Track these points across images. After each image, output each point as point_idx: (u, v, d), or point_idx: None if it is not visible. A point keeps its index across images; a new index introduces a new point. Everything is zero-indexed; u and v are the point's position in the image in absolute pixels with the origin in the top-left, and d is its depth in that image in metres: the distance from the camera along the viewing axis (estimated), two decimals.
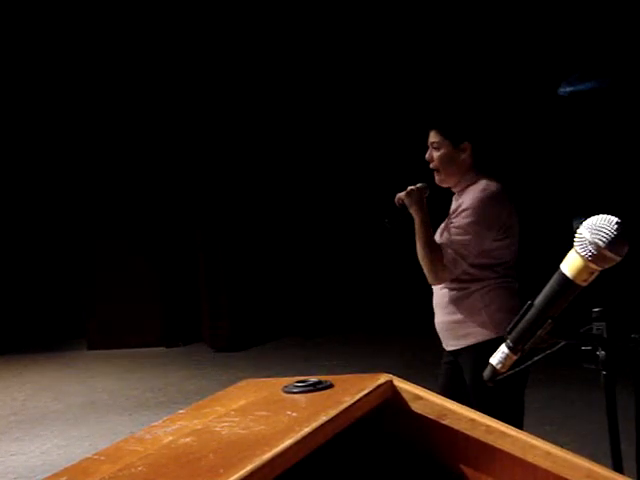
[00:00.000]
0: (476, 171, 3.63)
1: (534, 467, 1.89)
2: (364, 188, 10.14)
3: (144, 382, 8.33)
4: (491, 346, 3.57)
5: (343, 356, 8.73)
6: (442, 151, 3.62)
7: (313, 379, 2.16)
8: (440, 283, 3.57)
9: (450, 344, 3.66)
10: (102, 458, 1.73)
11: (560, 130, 9.16)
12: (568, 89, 8.93)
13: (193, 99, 9.70)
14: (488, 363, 3.58)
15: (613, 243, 1.67)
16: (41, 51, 9.91)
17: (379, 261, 10.12)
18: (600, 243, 1.67)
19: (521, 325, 1.81)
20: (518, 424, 3.30)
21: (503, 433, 1.96)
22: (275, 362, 8.75)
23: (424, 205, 3.60)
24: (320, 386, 2.12)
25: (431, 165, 3.67)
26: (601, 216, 1.71)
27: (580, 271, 1.72)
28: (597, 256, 1.68)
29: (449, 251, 3.49)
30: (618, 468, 1.82)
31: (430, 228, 3.58)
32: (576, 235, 1.71)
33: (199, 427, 1.88)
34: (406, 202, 3.59)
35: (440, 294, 3.65)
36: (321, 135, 10.10)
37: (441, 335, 3.71)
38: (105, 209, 9.97)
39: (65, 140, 10.18)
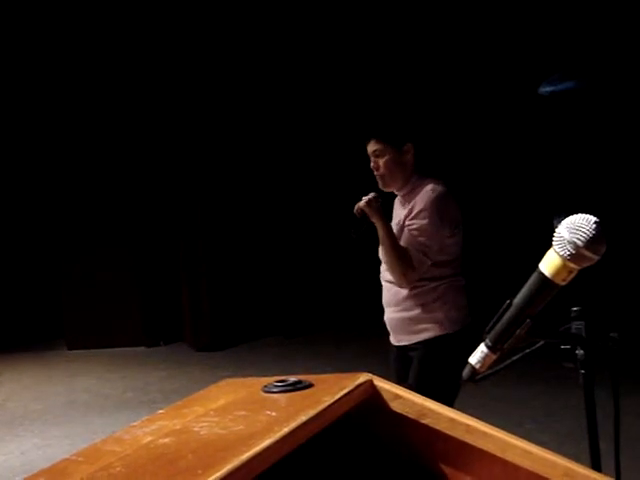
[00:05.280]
0: (419, 174, 3.78)
1: (513, 466, 1.89)
2: (341, 190, 10.13)
3: (124, 382, 8.30)
4: (442, 342, 3.78)
5: (324, 356, 8.73)
6: (387, 157, 3.74)
7: (293, 379, 2.15)
8: (410, 285, 3.69)
9: (402, 339, 3.82)
10: (80, 459, 1.72)
11: (541, 129, 9.19)
12: (549, 89, 8.95)
13: (178, 97, 9.67)
14: (439, 358, 3.75)
15: (592, 242, 1.67)
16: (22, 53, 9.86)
17: (361, 261, 10.11)
18: (579, 242, 1.67)
19: (500, 324, 1.81)
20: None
21: (483, 433, 1.96)
22: (255, 362, 8.73)
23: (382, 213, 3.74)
24: (300, 386, 2.12)
25: (377, 173, 3.78)
26: (580, 215, 1.71)
27: (559, 270, 1.72)
28: (576, 255, 1.68)
29: (414, 252, 3.64)
30: (597, 467, 1.82)
31: (394, 233, 3.71)
32: (555, 234, 1.71)
33: (178, 427, 1.88)
34: (367, 212, 3.69)
35: (392, 292, 3.81)
36: (303, 137, 10.08)
37: (393, 331, 3.88)
38: (84, 208, 9.91)
39: (43, 140, 10.12)
